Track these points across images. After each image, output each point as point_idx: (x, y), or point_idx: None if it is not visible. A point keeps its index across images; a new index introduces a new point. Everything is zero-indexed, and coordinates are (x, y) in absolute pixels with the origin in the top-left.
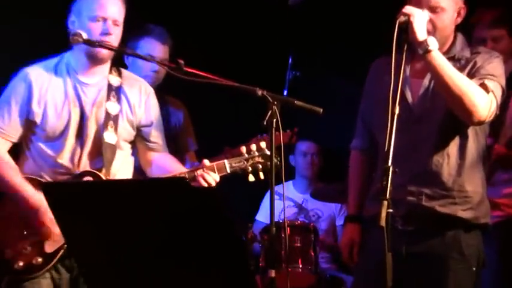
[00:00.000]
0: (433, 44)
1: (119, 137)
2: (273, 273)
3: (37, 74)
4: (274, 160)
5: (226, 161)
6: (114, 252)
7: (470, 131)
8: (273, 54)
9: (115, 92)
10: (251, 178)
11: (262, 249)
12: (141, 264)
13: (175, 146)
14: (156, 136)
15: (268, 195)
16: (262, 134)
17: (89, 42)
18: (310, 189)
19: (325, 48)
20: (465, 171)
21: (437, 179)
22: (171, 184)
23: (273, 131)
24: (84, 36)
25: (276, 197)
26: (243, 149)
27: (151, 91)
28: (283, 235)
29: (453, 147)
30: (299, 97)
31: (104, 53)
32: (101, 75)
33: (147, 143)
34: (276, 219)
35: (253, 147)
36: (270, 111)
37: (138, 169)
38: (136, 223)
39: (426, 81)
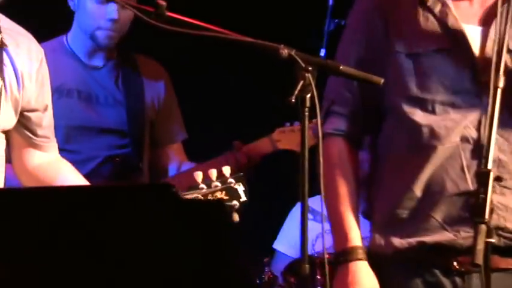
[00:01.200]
0: None
1: None
2: None
3: None
4: (241, 188)
5: None
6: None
7: None
8: None
9: None
10: None
11: None
12: None
13: (151, 135)
14: (47, 128)
15: (293, 213)
16: (293, 123)
17: None
18: (361, 204)
19: None
20: None
21: None
22: (150, 192)
23: (306, 115)
24: None
25: (309, 216)
26: (198, 176)
27: (43, 55)
28: (319, 276)
29: None
30: None
31: None
32: None
33: (32, 136)
34: (309, 252)
35: (213, 174)
36: (301, 82)
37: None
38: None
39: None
